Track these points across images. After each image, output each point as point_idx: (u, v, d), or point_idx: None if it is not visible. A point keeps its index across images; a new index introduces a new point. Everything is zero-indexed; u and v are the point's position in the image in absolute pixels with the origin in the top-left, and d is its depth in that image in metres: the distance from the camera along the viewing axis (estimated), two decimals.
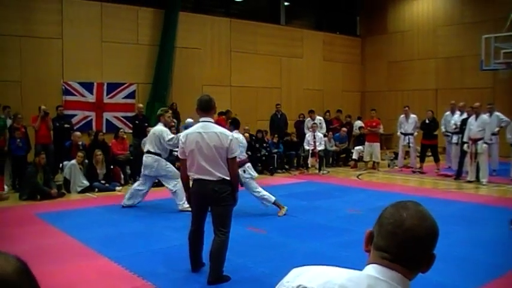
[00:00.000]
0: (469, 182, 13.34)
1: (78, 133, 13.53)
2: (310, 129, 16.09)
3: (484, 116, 13.34)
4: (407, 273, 1.55)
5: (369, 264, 1.58)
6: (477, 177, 13.32)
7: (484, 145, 13.09)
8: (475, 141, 13.13)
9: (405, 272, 1.54)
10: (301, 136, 16.95)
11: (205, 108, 5.78)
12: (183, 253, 6.37)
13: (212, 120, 5.81)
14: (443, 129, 15.82)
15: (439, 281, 5.76)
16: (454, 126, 14.72)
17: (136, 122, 14.56)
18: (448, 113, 15.84)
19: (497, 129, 14.47)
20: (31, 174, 11.30)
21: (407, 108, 16.23)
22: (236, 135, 9.12)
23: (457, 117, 14.74)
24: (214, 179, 5.58)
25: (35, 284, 0.96)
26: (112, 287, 5.56)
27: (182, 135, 5.93)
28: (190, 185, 5.94)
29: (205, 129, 5.65)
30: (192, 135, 5.66)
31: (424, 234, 1.54)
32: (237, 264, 6.28)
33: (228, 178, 5.67)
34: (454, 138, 14.79)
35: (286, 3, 21.65)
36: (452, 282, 5.76)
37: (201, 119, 5.77)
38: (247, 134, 15.41)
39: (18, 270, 0.93)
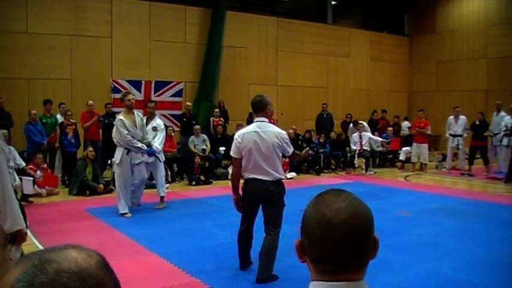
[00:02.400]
0: None
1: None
2: (356, 130, 16.05)
3: None
4: (358, 274, 1.34)
5: (312, 281, 1.37)
6: None
7: None
8: None
9: (355, 274, 1.33)
10: (346, 137, 16.87)
11: (258, 108, 5.85)
12: (232, 251, 6.40)
13: (266, 120, 5.86)
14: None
15: (489, 286, 5.67)
16: (504, 128, 14.38)
17: (185, 119, 14.73)
18: (494, 113, 15.53)
19: None
20: (80, 169, 11.52)
21: (458, 109, 15.87)
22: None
23: (508, 119, 14.38)
24: (270, 179, 5.67)
25: (114, 277, 0.99)
26: (162, 284, 5.60)
27: (238, 134, 5.90)
28: (241, 186, 5.97)
29: (261, 128, 5.72)
30: (249, 135, 5.72)
31: (359, 225, 1.32)
32: (284, 264, 6.26)
33: (282, 177, 5.78)
34: (505, 141, 14.44)
35: (333, 2, 21.49)
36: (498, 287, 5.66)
37: (256, 119, 5.86)
38: (291, 131, 15.44)
39: (100, 264, 0.96)
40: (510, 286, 5.74)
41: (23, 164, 10.32)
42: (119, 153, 9.27)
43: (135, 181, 9.67)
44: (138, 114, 9.58)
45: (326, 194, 1.41)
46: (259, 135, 5.67)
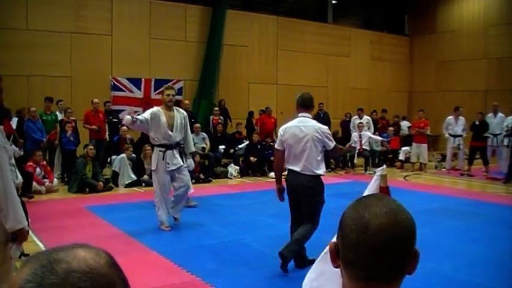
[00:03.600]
0: None
1: (124, 127, 13.70)
2: (357, 128, 16.05)
3: None
4: (392, 286, 1.26)
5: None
6: None
7: None
8: None
9: (388, 287, 1.25)
10: (346, 136, 16.87)
11: (308, 105, 6.22)
12: (232, 249, 6.43)
13: (310, 116, 6.19)
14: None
15: (485, 285, 5.67)
16: (506, 129, 14.39)
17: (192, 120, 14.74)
18: (490, 114, 15.53)
19: None
20: (80, 166, 11.51)
21: (461, 109, 15.86)
22: None
23: (510, 119, 14.38)
24: (306, 173, 5.91)
25: (123, 276, 0.98)
26: (162, 282, 5.60)
27: (282, 128, 6.20)
28: (283, 176, 6.33)
29: (303, 123, 6.02)
30: (291, 129, 6.03)
31: (398, 233, 1.23)
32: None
33: (320, 173, 5.97)
34: (505, 141, 14.46)
35: (333, 2, 21.54)
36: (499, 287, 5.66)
37: (300, 114, 6.14)
38: None
39: (109, 263, 0.94)
40: (510, 286, 5.73)
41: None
42: (154, 157, 8.05)
43: (177, 191, 8.25)
44: (181, 112, 8.28)
45: (368, 197, 1.35)
46: (300, 129, 5.95)
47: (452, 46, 21.99)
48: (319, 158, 5.96)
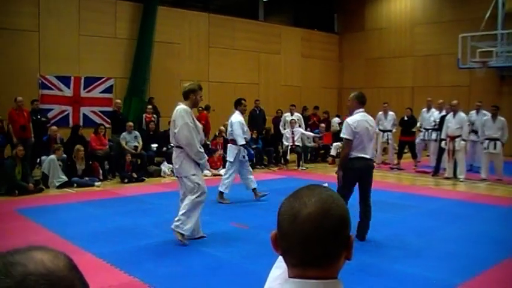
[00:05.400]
0: (447, 178, 13.55)
1: (54, 127, 13.38)
2: (287, 125, 16.31)
3: (462, 114, 13.46)
4: (327, 271, 1.29)
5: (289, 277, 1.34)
6: (454, 174, 13.53)
7: (462, 142, 13.26)
8: (452, 138, 13.28)
9: (324, 272, 1.28)
10: (278, 132, 17.01)
11: (364, 102, 7.40)
12: (168, 248, 6.38)
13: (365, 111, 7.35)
14: (418, 125, 15.98)
15: (426, 276, 5.85)
16: (433, 123, 14.88)
17: (120, 117, 14.49)
18: (424, 109, 16.01)
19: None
20: (9, 168, 11.11)
21: (386, 105, 16.33)
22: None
23: (436, 114, 14.89)
24: (371, 157, 7.26)
25: (83, 278, 0.96)
26: (100, 284, 5.47)
27: (352, 121, 7.06)
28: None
29: (367, 118, 7.21)
30: (361, 122, 7.09)
31: (327, 222, 1.26)
32: (222, 260, 6.30)
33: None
34: (433, 135, 14.96)
35: None
36: (440, 276, 5.84)
37: (359, 110, 7.23)
38: (223, 128, 15.59)
39: (68, 265, 0.92)
40: (454, 274, 5.92)
41: None
42: (190, 161, 7.20)
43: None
44: None
45: (303, 188, 1.37)
46: (368, 123, 7.15)
47: (380, 44, 22.59)
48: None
